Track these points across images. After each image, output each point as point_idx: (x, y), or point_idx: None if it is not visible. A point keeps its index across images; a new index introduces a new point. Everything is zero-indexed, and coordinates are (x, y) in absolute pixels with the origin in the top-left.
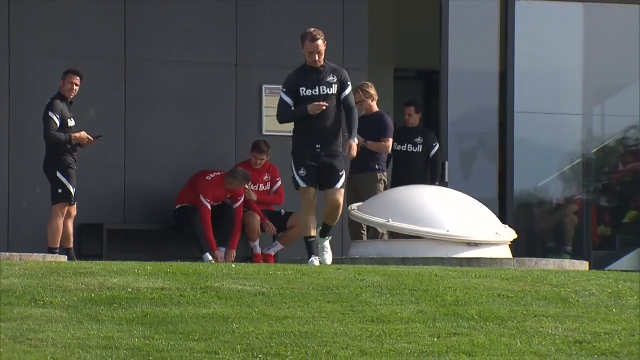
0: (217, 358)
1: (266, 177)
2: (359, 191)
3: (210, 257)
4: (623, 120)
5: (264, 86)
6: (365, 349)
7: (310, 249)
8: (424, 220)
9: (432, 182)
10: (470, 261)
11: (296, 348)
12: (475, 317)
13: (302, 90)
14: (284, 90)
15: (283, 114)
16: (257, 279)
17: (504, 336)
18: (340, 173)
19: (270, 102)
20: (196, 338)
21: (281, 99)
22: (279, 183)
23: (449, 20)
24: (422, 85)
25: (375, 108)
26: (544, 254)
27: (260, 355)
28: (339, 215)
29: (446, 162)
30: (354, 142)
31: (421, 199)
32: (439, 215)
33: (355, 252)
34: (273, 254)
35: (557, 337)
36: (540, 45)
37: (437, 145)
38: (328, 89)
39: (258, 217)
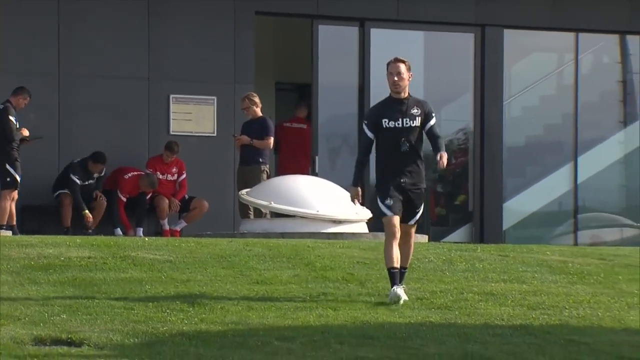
0: (133, 313)
1: (174, 169)
2: (247, 179)
3: (120, 232)
4: (455, 124)
5: (172, 96)
6: (252, 306)
7: (394, 279)
8: (299, 203)
9: None
10: (335, 235)
11: (197, 305)
12: (340, 279)
13: (385, 122)
14: (366, 123)
15: (360, 152)
16: (166, 250)
17: (361, 294)
18: (418, 210)
19: (176, 108)
20: (116, 297)
21: (363, 133)
22: (184, 175)
23: (319, 43)
24: (297, 95)
25: (260, 113)
26: None
27: (167, 310)
28: (412, 251)
29: (317, 157)
30: (444, 153)
31: (297, 185)
32: (311, 198)
33: (244, 229)
34: (179, 229)
35: None
36: None
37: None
38: (412, 122)
39: (166, 201)
